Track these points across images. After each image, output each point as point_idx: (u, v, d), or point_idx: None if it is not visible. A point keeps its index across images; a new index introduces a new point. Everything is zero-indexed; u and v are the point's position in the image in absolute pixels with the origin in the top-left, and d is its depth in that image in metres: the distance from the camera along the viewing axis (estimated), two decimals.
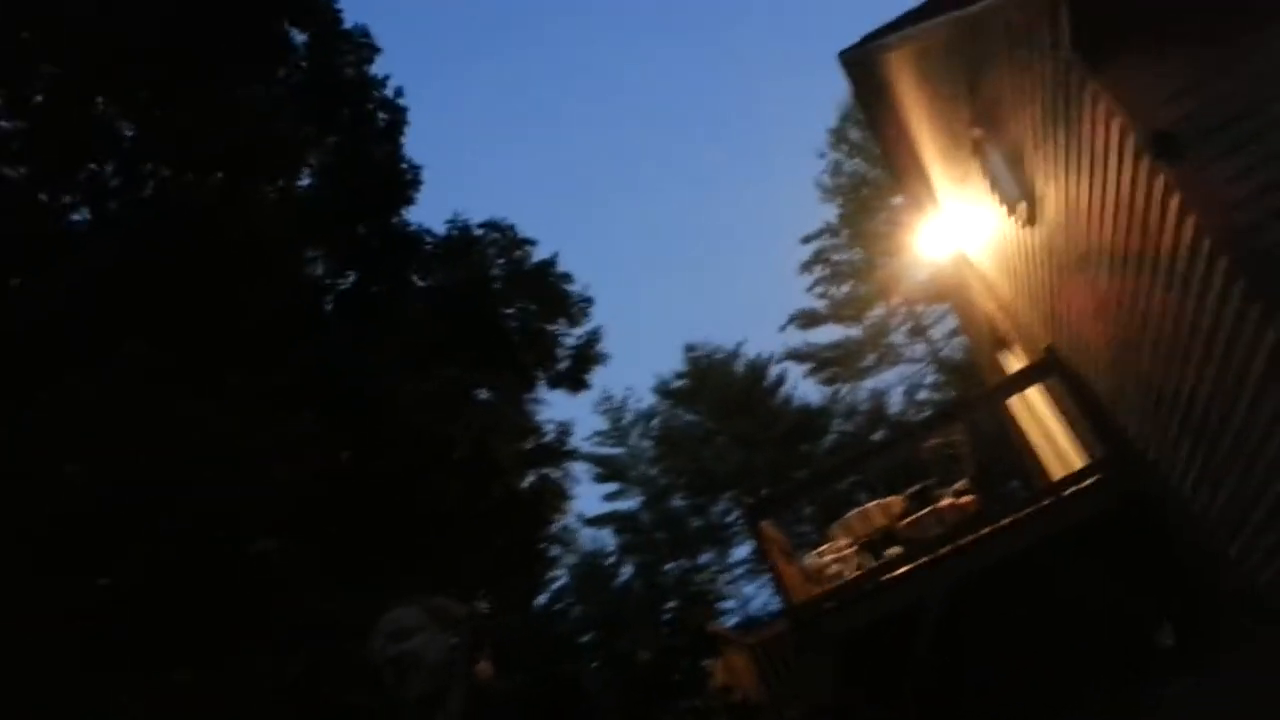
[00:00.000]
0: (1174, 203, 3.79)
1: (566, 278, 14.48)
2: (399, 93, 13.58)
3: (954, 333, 27.70)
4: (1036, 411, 8.76)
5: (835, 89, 31.30)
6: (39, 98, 10.90)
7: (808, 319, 32.98)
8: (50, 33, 10.23)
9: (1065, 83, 4.25)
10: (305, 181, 13.07)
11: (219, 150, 10.55)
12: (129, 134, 11.32)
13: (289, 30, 12.70)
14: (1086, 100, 4.12)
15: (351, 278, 13.40)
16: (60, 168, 10.91)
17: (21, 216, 10.32)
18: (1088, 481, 6.73)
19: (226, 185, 10.99)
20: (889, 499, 9.09)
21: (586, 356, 14.84)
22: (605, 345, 15.00)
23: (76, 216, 11.34)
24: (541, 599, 30.36)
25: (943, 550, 6.97)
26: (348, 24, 13.35)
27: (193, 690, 7.48)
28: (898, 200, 23.14)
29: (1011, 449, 10.74)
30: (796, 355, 33.96)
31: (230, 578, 8.37)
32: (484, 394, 14.03)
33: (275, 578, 8.58)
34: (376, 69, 13.59)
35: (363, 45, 13.36)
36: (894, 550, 7.85)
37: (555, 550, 15.21)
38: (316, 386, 10.30)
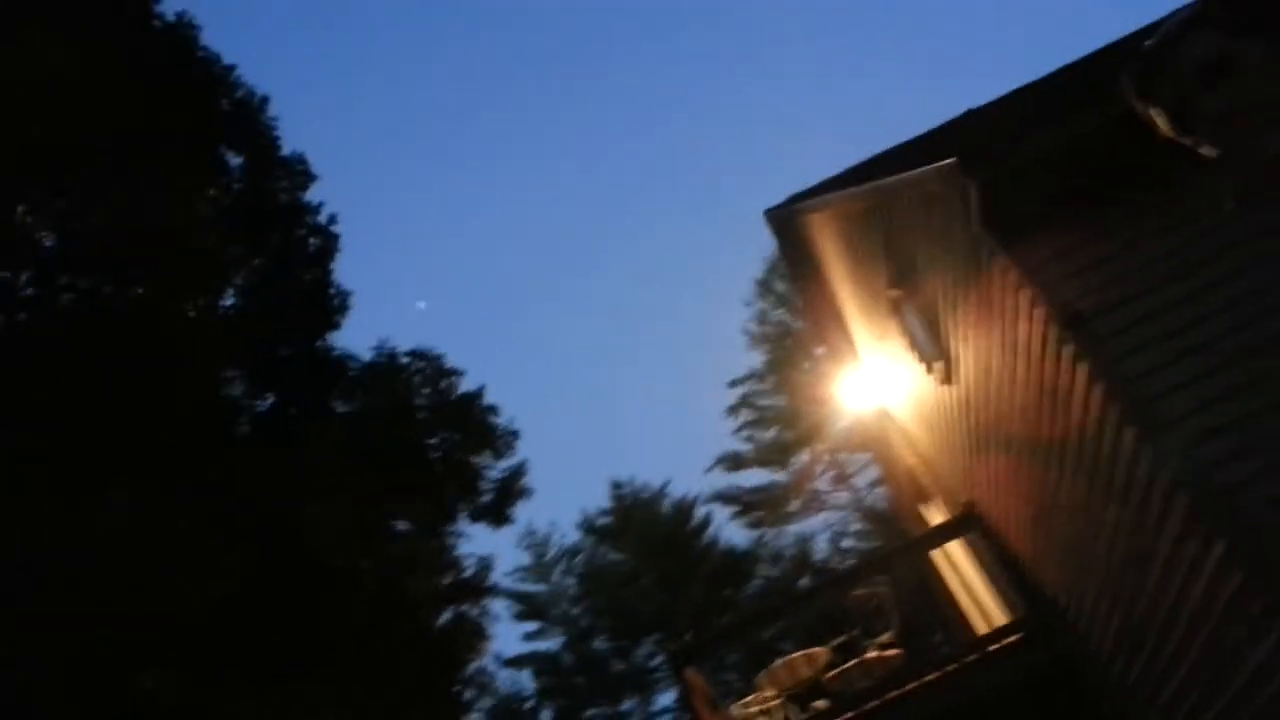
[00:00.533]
0: (1082, 373, 3.88)
1: (493, 410, 14.38)
2: (332, 219, 13.67)
3: (877, 482, 28.03)
4: (958, 565, 8.76)
5: (763, 240, 32.55)
6: None
7: (734, 462, 33.13)
8: None
9: (975, 253, 4.41)
10: (229, 301, 12.90)
11: (140, 264, 10.37)
12: (47, 244, 11.09)
13: (225, 152, 12.79)
14: (996, 271, 4.27)
15: (270, 400, 13.08)
16: None
17: None
18: (1011, 639, 6.69)
19: (145, 300, 10.76)
20: (814, 649, 8.88)
21: (510, 490, 14.59)
22: (530, 479, 14.80)
23: None
24: None
25: (869, 705, 6.81)
26: (286, 150, 13.53)
27: None
28: (821, 351, 23.76)
29: (935, 601, 10.69)
30: (722, 497, 33.91)
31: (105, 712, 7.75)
32: (402, 525, 13.62)
33: (160, 713, 7.97)
34: (311, 195, 13.71)
35: (298, 172, 13.52)
36: (820, 703, 7.66)
37: (470, 693, 14.45)
38: (222, 503, 9.87)
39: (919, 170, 4.53)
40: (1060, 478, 4.67)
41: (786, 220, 7.06)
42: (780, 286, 31.64)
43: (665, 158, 66.94)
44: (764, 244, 32.30)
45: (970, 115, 6.77)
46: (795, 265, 8.07)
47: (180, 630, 8.55)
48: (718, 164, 66.53)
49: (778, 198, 7.37)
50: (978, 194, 3.94)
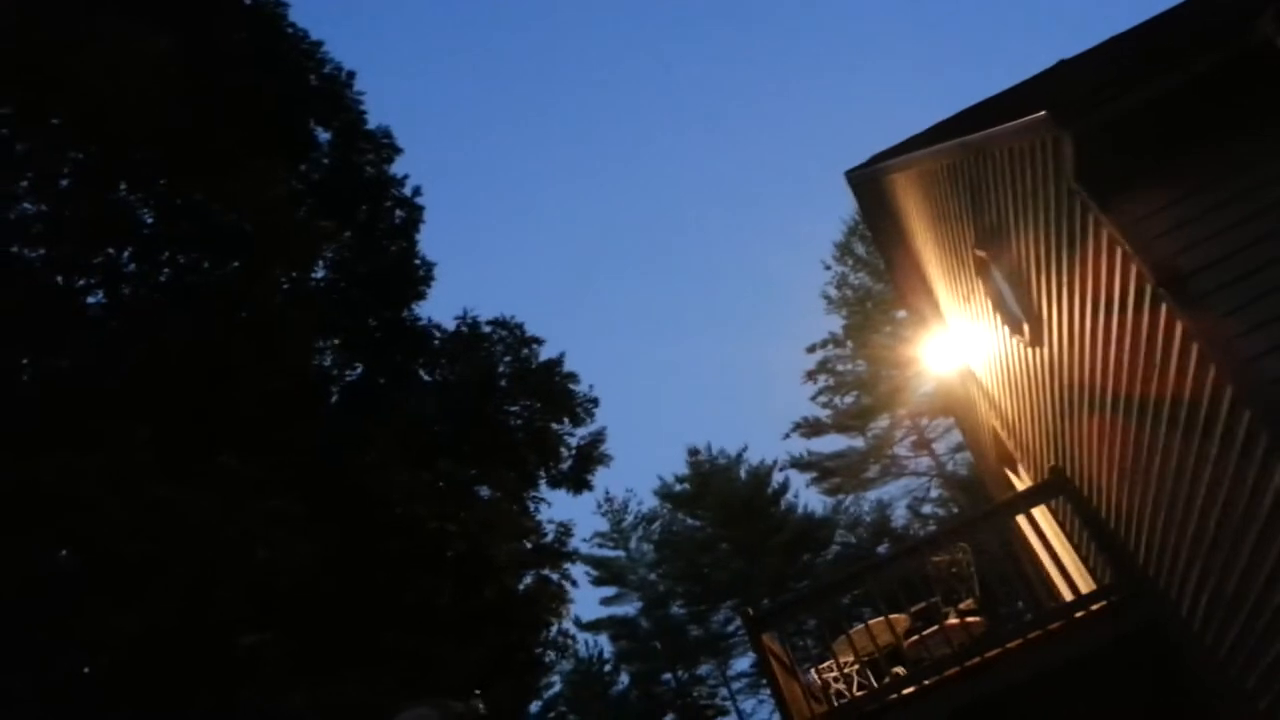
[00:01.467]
0: (1177, 334, 3.80)
1: (572, 377, 14.50)
2: (417, 191, 13.96)
3: (959, 447, 27.55)
4: (1042, 530, 8.63)
5: (843, 202, 32.02)
6: (64, 182, 11.17)
7: (811, 428, 32.88)
8: (79, 117, 10.54)
9: (1067, 210, 4.31)
10: (320, 273, 13.29)
11: (237, 239, 10.76)
12: (149, 220, 11.56)
13: (314, 128, 13.13)
14: (1089, 229, 4.18)
15: (359, 369, 13.47)
16: (79, 251, 11.11)
17: (37, 298, 10.46)
18: (1097, 606, 6.57)
19: (242, 274, 11.16)
20: (893, 615, 8.84)
21: (589, 457, 14.73)
22: (608, 446, 14.92)
23: (92, 299, 11.51)
24: (534, 706, 29.58)
25: (949, 671, 6.76)
26: (372, 124, 13.83)
27: None
28: (902, 314, 23.36)
29: (1017, 568, 10.54)
30: (800, 464, 33.73)
31: (209, 667, 8.18)
32: (484, 491, 13.90)
33: (255, 669, 8.37)
34: (396, 168, 14.00)
35: (384, 145, 13.80)
36: (899, 669, 7.63)
37: (550, 655, 14.78)
38: (314, 473, 10.24)
39: (1008, 124, 4.42)
40: (1154, 440, 4.57)
41: (868, 180, 6.97)
42: (860, 249, 31.17)
43: (743, 122, 66.29)
44: (844, 206, 31.87)
45: (1061, 66, 6.55)
46: (877, 227, 7.96)
47: (277, 594, 8.91)
48: (795, 127, 65.63)
49: (858, 158, 7.28)
50: (1071, 147, 3.84)
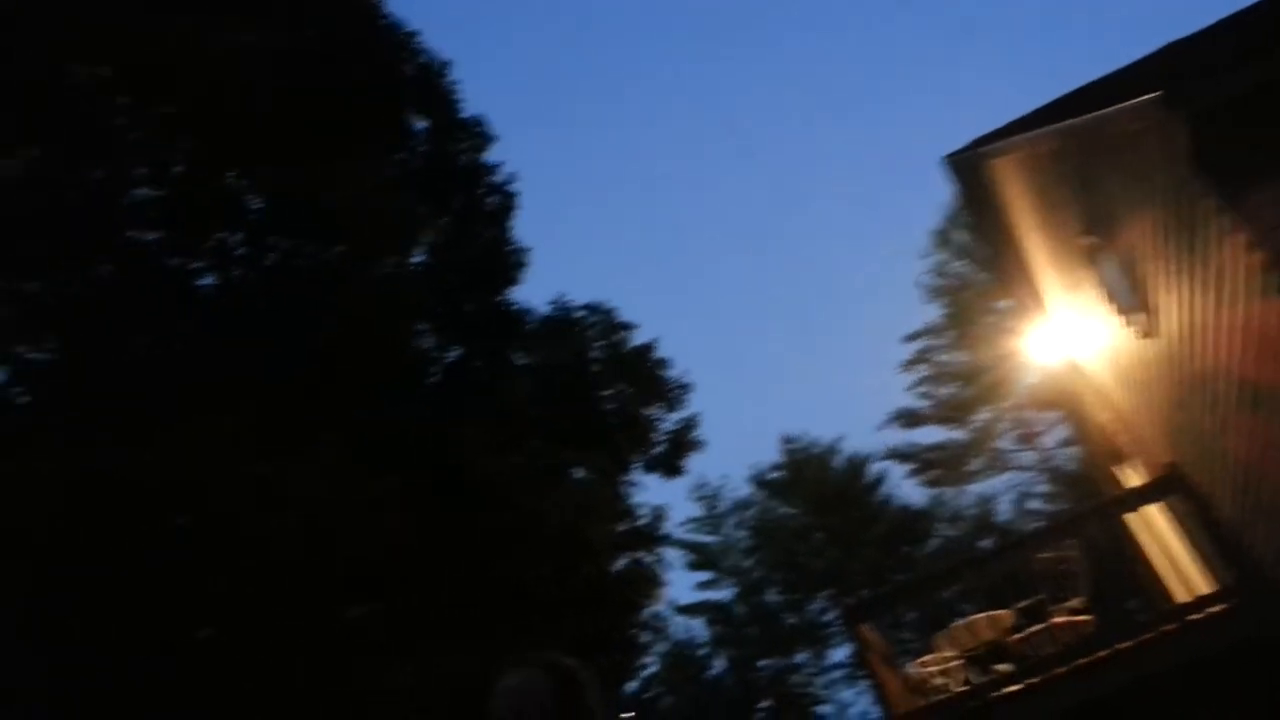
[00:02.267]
0: None
1: (664, 363, 14.51)
2: (510, 179, 14.15)
3: (1066, 441, 26.52)
4: (1156, 529, 8.24)
5: (942, 189, 31.08)
6: (178, 168, 11.69)
7: (909, 418, 32.11)
8: (190, 107, 11.00)
9: (1183, 196, 4.05)
10: (418, 259, 13.60)
11: (339, 225, 11.09)
12: (256, 206, 12.01)
13: (411, 117, 13.42)
14: (1207, 216, 3.92)
15: (456, 352, 13.76)
16: (191, 236, 11.63)
17: (153, 280, 11.00)
18: (1214, 609, 6.25)
19: (345, 259, 11.51)
20: (998, 612, 8.58)
21: (682, 442, 14.74)
22: (701, 432, 14.90)
23: (203, 281, 12.05)
24: (631, 685, 29.88)
25: (1056, 671, 6.56)
26: (466, 112, 14.05)
27: None
28: (1005, 303, 22.57)
29: (1129, 566, 10.09)
30: (898, 454, 32.99)
31: (313, 640, 8.48)
32: (579, 473, 14.05)
33: (362, 640, 8.65)
34: (491, 156, 14.22)
35: (478, 134, 14.03)
36: (1003, 667, 7.43)
37: (646, 636, 14.87)
38: (413, 453, 10.51)
39: (1118, 106, 4.18)
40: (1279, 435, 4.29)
41: (969, 166, 6.72)
42: (960, 237, 30.20)
43: (838, 109, 65.08)
44: (943, 193, 30.95)
45: (1173, 47, 6.17)
46: (978, 213, 7.68)
47: (380, 569, 9.19)
48: (892, 113, 64.07)
49: (957, 144, 7.02)
50: (1186, 130, 3.60)
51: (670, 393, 14.57)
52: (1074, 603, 8.26)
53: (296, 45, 10.98)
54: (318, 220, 11.19)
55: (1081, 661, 6.49)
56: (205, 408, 8.88)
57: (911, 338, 32.03)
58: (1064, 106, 6.31)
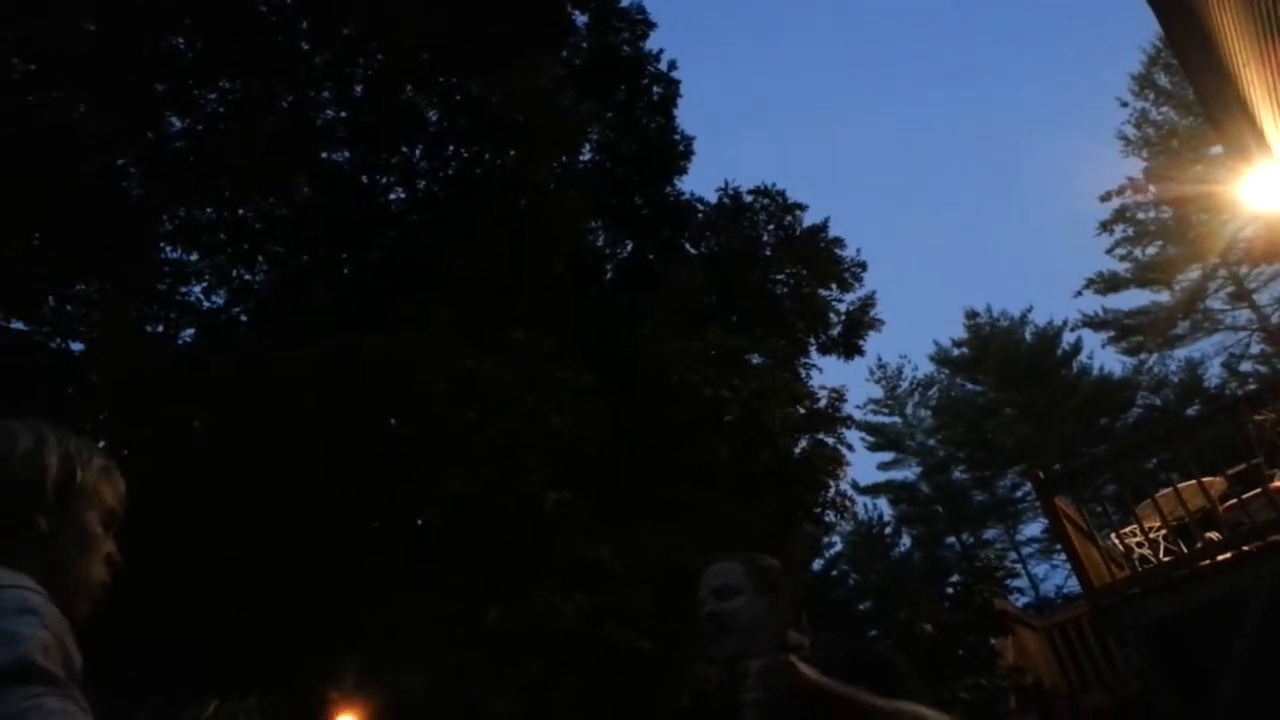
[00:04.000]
0: None
1: (838, 242, 14.22)
2: (672, 66, 13.98)
3: None
4: None
5: (1140, 31, 28.22)
6: (358, 89, 12.25)
7: (1108, 283, 30.13)
8: (365, 24, 11.42)
9: None
10: (586, 156, 13.78)
11: (512, 129, 11.37)
12: (433, 118, 12.45)
13: (571, 12, 13.41)
14: None
15: (629, 246, 13.97)
16: (376, 152, 12.23)
17: (346, 197, 11.71)
18: None
19: (519, 162, 11.82)
20: (1207, 479, 8.18)
21: (859, 322, 14.52)
22: (879, 311, 14.62)
23: (392, 195, 12.72)
24: (817, 564, 30.41)
25: (1275, 537, 6.25)
26: (624, 1, 13.88)
27: (497, 626, 8.24)
28: (1216, 150, 20.53)
29: None
30: (1094, 322, 31.21)
31: (518, 521, 9.11)
32: (755, 359, 14.14)
33: (556, 523, 9.22)
34: (650, 44, 14.05)
35: (638, 22, 13.87)
36: (1212, 535, 7.14)
37: (830, 515, 15.10)
38: (595, 346, 10.91)
39: None
40: None
41: None
42: (1164, 80, 27.54)
43: None
44: (1143, 34, 28.12)
45: None
46: (1186, 47, 6.99)
47: (574, 457, 9.68)
48: None
49: None
50: None
51: (845, 273, 14.31)
52: None
53: None
54: (491, 126, 11.51)
55: None
56: (408, 311, 9.51)
57: (1108, 196, 29.82)
58: None
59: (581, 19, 13.69)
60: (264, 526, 8.54)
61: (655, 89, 13.92)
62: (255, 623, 8.64)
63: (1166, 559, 7.10)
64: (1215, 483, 8.01)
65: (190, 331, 11.66)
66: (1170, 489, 8.43)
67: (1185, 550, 7.15)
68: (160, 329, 11.46)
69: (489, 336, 9.81)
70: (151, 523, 7.40)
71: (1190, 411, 27.62)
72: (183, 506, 8.14)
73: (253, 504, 8.47)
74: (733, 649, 2.05)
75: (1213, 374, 29.33)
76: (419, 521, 10.22)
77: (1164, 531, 7.75)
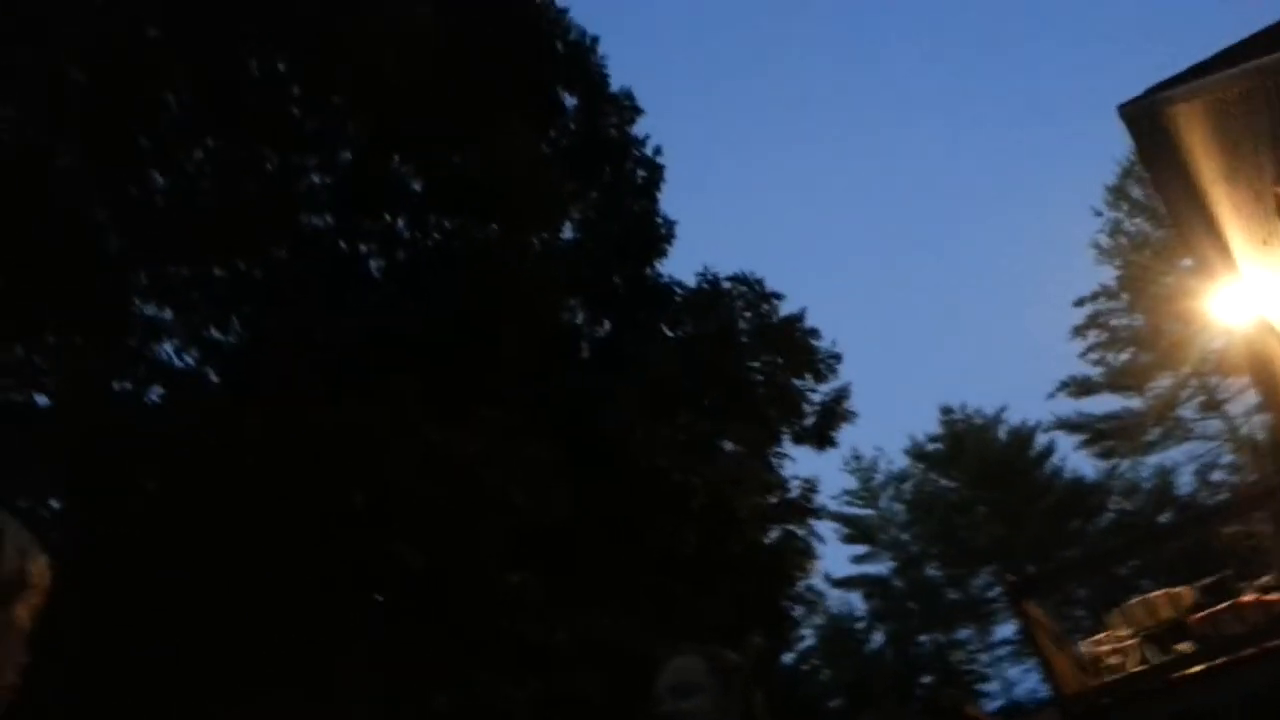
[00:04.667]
0: None
1: (814, 333, 14.29)
2: (657, 151, 14.22)
3: (1256, 408, 24.51)
4: None
5: (1113, 144, 29.13)
6: (345, 155, 12.33)
7: (1081, 387, 30.42)
8: (355, 94, 11.55)
9: None
10: (568, 234, 13.88)
11: (494, 203, 11.44)
12: (417, 188, 12.53)
13: (561, 93, 13.66)
14: None
15: (606, 326, 13.98)
16: (359, 219, 12.26)
17: (324, 263, 11.68)
18: None
19: (500, 235, 11.88)
20: (1178, 589, 8.12)
21: (834, 413, 14.51)
22: (854, 403, 14.62)
23: (372, 263, 12.70)
24: (787, 658, 29.84)
25: (1245, 652, 6.15)
26: (614, 87, 14.16)
27: (445, 714, 7.96)
28: (1186, 263, 20.98)
29: None
30: (1067, 425, 31.37)
31: (470, 600, 8.88)
32: (728, 445, 14.05)
33: (511, 604, 9.00)
34: (637, 129, 14.31)
35: (626, 107, 14.13)
36: (1184, 646, 7.02)
37: (800, 610, 14.83)
38: (562, 424, 10.79)
39: None
40: None
41: (1146, 114, 6.25)
42: (1136, 192, 28.27)
43: (999, 54, 61.88)
44: (1117, 147, 28.98)
45: None
46: (1157, 165, 7.15)
47: (535, 535, 9.50)
48: (1056, 68, 60.38)
49: (1129, 95, 6.54)
50: None
51: (820, 363, 14.35)
52: (1265, 580, 7.72)
53: (450, 23, 11.33)
54: (475, 199, 11.59)
55: (1272, 644, 6.05)
56: (376, 381, 9.40)
57: (1082, 302, 30.29)
58: (1250, 46, 5.79)
59: (571, 101, 13.94)
60: (212, 590, 8.26)
61: (640, 172, 14.12)
62: (197, 695, 8.29)
63: (1138, 669, 6.97)
64: (1185, 593, 7.93)
65: (159, 390, 11.49)
66: (1139, 599, 8.35)
67: (1156, 661, 7.03)
68: (128, 386, 11.28)
69: (457, 409, 9.70)
70: (102, 584, 7.16)
71: (1162, 519, 27.59)
72: (128, 566, 7.89)
73: (202, 566, 8.21)
74: None
75: (1184, 481, 29.44)
76: (378, 598, 9.93)
77: (1133, 641, 7.63)
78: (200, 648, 8.32)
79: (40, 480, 9.43)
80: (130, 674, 7.91)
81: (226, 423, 8.69)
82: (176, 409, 9.94)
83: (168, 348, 11.62)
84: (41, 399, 10.64)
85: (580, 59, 13.79)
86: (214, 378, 11.62)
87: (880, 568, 36.05)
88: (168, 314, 11.58)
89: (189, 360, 11.75)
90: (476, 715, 7.98)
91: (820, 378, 14.38)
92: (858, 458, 36.88)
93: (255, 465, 8.47)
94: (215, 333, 11.80)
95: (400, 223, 12.59)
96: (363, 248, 12.48)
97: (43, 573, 1.25)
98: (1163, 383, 29.13)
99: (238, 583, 8.38)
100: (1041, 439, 33.80)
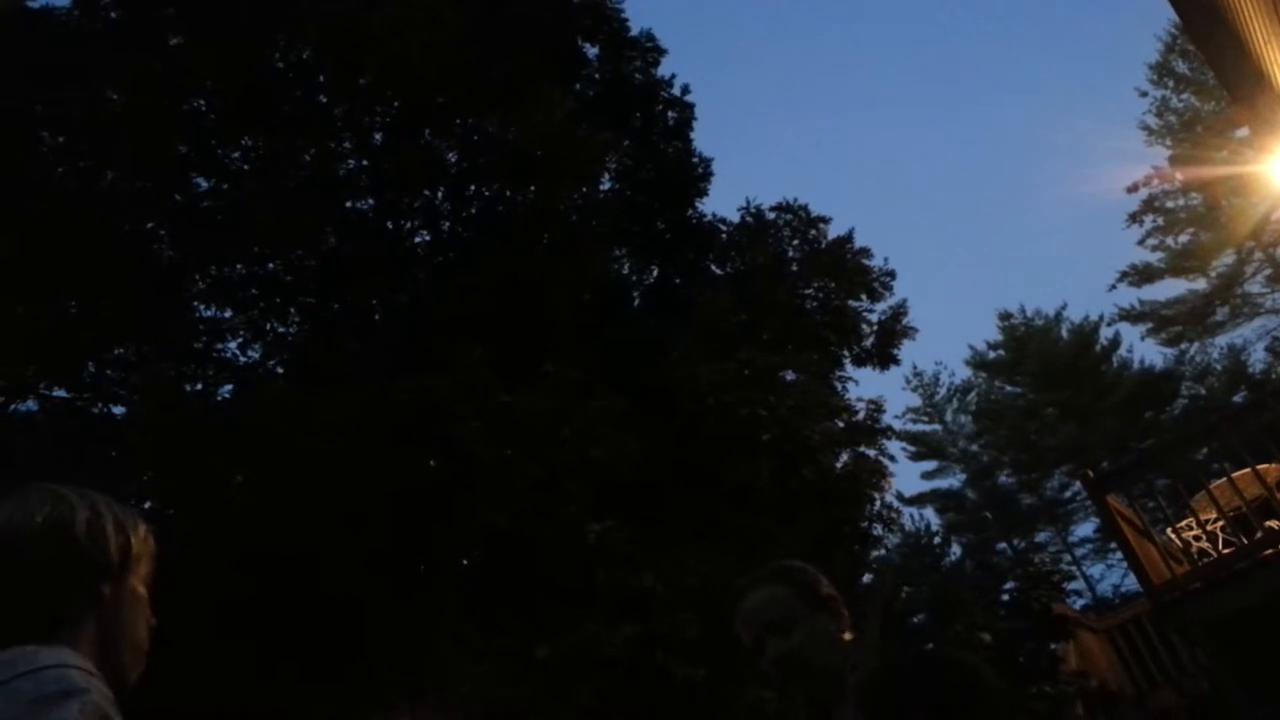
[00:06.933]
0: None
1: (865, 252, 14.11)
2: (685, 90, 14.05)
3: None
4: None
5: (1153, 20, 27.99)
6: (378, 136, 12.42)
7: (1141, 274, 29.68)
8: (382, 73, 11.60)
9: None
10: (606, 185, 13.85)
11: (531, 165, 11.46)
12: (452, 159, 12.59)
13: (582, 45, 13.55)
14: None
15: (655, 271, 13.98)
16: (400, 197, 12.39)
17: (372, 244, 11.85)
18: None
19: (540, 196, 11.91)
20: (1264, 465, 7.97)
21: (892, 331, 14.37)
22: (911, 319, 14.47)
23: (418, 239, 12.86)
24: (866, 577, 29.92)
25: None
26: (634, 30, 14.00)
27: (548, 662, 8.20)
28: (1242, 133, 20.22)
29: None
30: (1131, 315, 30.72)
31: (559, 554, 9.08)
32: (789, 375, 14.02)
33: (598, 553, 9.18)
34: (662, 70, 14.15)
35: (649, 49, 13.97)
36: (1272, 523, 6.95)
37: (877, 529, 14.87)
38: (625, 374, 10.89)
39: None
40: None
41: None
42: (1182, 66, 27.23)
43: None
44: (1157, 21, 27.89)
45: None
46: (1202, 34, 6.88)
47: (614, 485, 9.65)
48: None
49: None
50: None
51: (874, 282, 14.19)
52: None
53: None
54: (510, 163, 11.62)
55: None
56: (439, 353, 9.57)
57: (1135, 187, 29.42)
58: None
59: (592, 51, 13.84)
60: (307, 575, 8.59)
61: (670, 114, 13.99)
62: (304, 672, 8.67)
63: (1226, 551, 6.91)
64: (1271, 469, 7.81)
65: (229, 387, 11.83)
66: (1224, 479, 8.24)
67: (1245, 541, 6.96)
68: (199, 387, 11.63)
69: (520, 371, 9.84)
70: (197, 577, 7.49)
71: (1237, 399, 27.03)
72: (226, 560, 8.22)
73: (295, 554, 8.53)
74: (816, 684, 1.87)
75: (1256, 359, 28.76)
76: (464, 561, 10.21)
77: (1221, 523, 7.56)
78: (305, 621, 8.68)
79: (130, 488, 9.81)
80: (248, 646, 8.30)
81: (298, 411, 8.94)
82: (248, 403, 10.23)
83: (232, 345, 11.97)
84: (118, 409, 11.02)
85: (598, 7, 13.66)
86: (279, 370, 11.93)
87: (952, 481, 35.95)
88: (228, 313, 11.89)
89: (253, 354, 12.10)
90: (579, 662, 8.21)
91: (875, 297, 14.23)
92: (919, 374, 36.61)
93: (332, 449, 8.72)
94: (277, 325, 12.10)
95: (439, 194, 12.69)
96: (406, 224, 12.63)
97: (145, 539, 1.37)
98: (1226, 260, 28.35)
99: (330, 569, 8.70)
100: (1106, 333, 33.20)
